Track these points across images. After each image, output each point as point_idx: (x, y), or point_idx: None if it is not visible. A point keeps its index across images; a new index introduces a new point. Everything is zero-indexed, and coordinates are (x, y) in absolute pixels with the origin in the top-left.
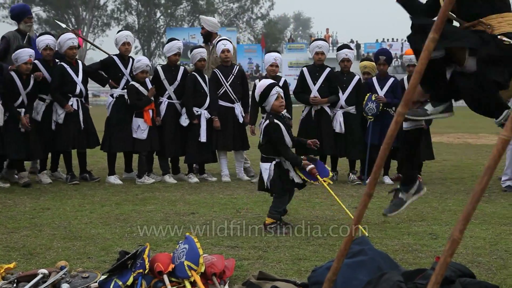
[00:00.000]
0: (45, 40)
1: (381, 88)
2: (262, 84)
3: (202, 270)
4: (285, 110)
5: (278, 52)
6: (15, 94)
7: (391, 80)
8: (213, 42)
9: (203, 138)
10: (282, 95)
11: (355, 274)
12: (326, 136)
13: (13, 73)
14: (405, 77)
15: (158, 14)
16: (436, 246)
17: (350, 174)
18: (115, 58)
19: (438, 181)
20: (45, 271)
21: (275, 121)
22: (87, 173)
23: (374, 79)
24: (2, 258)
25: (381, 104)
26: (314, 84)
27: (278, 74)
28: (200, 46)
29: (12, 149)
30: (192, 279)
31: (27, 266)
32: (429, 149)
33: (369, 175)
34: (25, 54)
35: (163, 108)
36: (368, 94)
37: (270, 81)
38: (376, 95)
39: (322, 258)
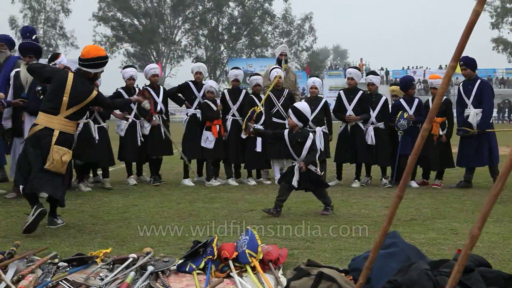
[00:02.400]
0: (129, 72)
1: (410, 108)
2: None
3: (261, 257)
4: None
5: (318, 77)
6: None
7: (417, 100)
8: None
9: (258, 148)
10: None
11: (388, 263)
12: (360, 147)
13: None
14: (430, 98)
15: (222, 48)
16: (456, 240)
17: (382, 179)
18: (190, 83)
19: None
20: (134, 255)
21: None
22: (157, 176)
23: (402, 100)
24: (101, 244)
25: (411, 122)
26: (349, 104)
27: (319, 95)
28: (257, 74)
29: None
30: (252, 265)
31: (120, 251)
32: (450, 158)
33: (398, 180)
34: None
35: (228, 124)
36: (400, 112)
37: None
38: (407, 113)
39: (360, 249)
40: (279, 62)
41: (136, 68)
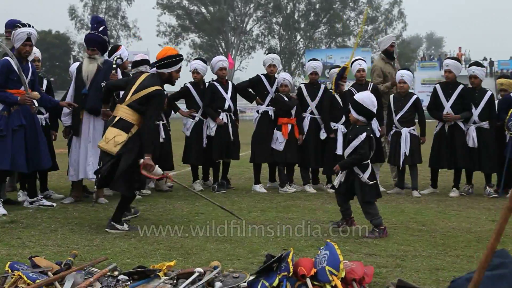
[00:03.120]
0: (193, 64)
1: None
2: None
3: (343, 275)
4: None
5: (408, 69)
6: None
7: None
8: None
9: (339, 151)
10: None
11: (496, 286)
12: (460, 151)
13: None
14: None
15: (298, 37)
16: None
17: (487, 187)
18: (262, 77)
19: None
20: (200, 270)
21: None
22: (225, 180)
23: None
24: (164, 256)
25: None
26: (447, 100)
27: (410, 91)
28: (337, 66)
29: None
30: (333, 284)
31: (185, 264)
32: None
33: (506, 189)
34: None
35: (306, 123)
36: (511, 111)
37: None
38: None
39: (460, 269)
40: (388, 54)
41: (203, 61)
